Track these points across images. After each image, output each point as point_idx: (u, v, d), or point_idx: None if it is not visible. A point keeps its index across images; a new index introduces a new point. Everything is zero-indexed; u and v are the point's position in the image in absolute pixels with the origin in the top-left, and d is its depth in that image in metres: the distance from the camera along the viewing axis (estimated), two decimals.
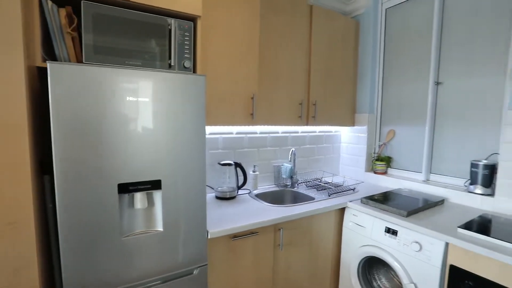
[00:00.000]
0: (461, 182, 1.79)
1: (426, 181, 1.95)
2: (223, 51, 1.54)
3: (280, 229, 1.52)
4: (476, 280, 1.18)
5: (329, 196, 1.83)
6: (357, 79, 2.31)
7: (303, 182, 2.18)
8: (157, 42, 1.13)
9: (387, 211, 1.55)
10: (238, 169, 1.85)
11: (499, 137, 1.62)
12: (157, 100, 1.08)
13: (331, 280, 1.83)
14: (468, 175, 1.71)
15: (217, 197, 1.77)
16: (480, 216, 1.47)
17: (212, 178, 1.87)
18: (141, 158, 1.07)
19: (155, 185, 1.10)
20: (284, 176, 2.10)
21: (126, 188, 1.04)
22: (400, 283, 1.55)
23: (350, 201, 1.73)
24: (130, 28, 1.08)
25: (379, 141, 2.29)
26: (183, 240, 1.19)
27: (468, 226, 1.31)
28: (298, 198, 1.98)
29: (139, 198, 1.08)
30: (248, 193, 1.91)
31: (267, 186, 2.10)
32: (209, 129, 1.84)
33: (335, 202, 1.73)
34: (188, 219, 1.19)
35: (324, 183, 2.15)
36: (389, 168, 2.21)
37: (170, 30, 1.15)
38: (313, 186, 2.08)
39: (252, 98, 1.65)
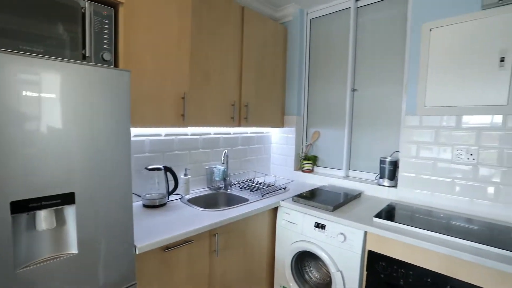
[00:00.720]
0: (373, 176, 2.06)
1: (346, 177, 2.19)
2: (150, 44, 1.40)
3: (215, 235, 1.47)
4: (387, 261, 1.36)
5: (263, 196, 1.87)
6: (286, 83, 2.43)
7: (237, 183, 2.17)
8: (67, 27, 0.94)
9: (316, 207, 1.66)
10: (168, 173, 1.72)
11: (399, 137, 1.92)
12: (68, 97, 0.89)
13: (267, 278, 1.87)
14: (378, 170, 1.98)
15: (145, 206, 1.60)
16: (388, 205, 1.71)
17: (139, 185, 1.68)
18: (47, 168, 0.87)
19: (67, 199, 0.91)
20: (217, 179, 2.05)
21: (24, 206, 0.83)
22: (328, 272, 1.69)
23: (283, 200, 1.80)
24: (28, 5, 0.86)
25: (306, 141, 2.46)
26: (105, 260, 1.02)
27: (380, 215, 1.51)
28: (232, 201, 1.96)
29: (44, 217, 0.88)
30: (180, 198, 1.79)
31: (200, 190, 2.02)
32: (134, 131, 1.66)
33: (269, 202, 1.77)
34: (111, 234, 1.03)
35: (257, 184, 2.19)
36: (315, 167, 2.40)
37: (84, 15, 0.98)
38: (247, 187, 2.09)
39: (183, 97, 1.55)
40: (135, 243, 1.12)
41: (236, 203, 1.75)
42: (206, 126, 1.77)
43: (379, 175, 1.96)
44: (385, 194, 1.91)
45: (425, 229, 1.31)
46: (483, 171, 1.53)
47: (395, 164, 1.88)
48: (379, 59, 2.02)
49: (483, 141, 1.53)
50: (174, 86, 1.51)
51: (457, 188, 1.62)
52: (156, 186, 1.66)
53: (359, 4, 2.09)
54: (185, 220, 1.42)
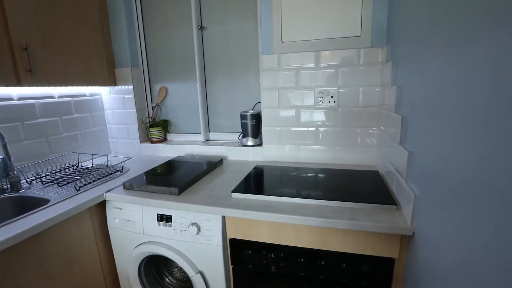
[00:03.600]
0: (236, 136, 1.70)
1: (206, 141, 1.75)
2: None
3: None
4: (254, 247, 1.03)
5: (78, 190, 1.20)
6: (110, 22, 1.66)
7: (38, 177, 1.37)
8: None
9: (156, 192, 1.14)
10: None
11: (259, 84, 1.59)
12: None
13: None
14: (240, 128, 1.62)
15: None
16: (255, 168, 1.39)
17: None
18: None
19: None
20: None
21: None
22: None
23: (108, 191, 1.19)
24: None
25: (152, 102, 1.84)
26: None
27: (240, 187, 1.14)
28: (25, 207, 1.20)
29: None
30: None
31: None
32: None
33: (86, 197, 1.13)
34: None
35: (79, 170, 1.47)
36: (168, 134, 1.85)
37: None
38: (55, 180, 1.34)
39: None
40: None
41: (29, 211, 1.02)
42: None
43: (241, 134, 1.61)
44: (250, 156, 1.59)
45: (293, 197, 1.02)
46: (343, 114, 1.38)
47: (258, 118, 1.56)
48: None
49: (342, 79, 1.35)
50: None
51: (321, 137, 1.44)
52: None
53: None
54: None
